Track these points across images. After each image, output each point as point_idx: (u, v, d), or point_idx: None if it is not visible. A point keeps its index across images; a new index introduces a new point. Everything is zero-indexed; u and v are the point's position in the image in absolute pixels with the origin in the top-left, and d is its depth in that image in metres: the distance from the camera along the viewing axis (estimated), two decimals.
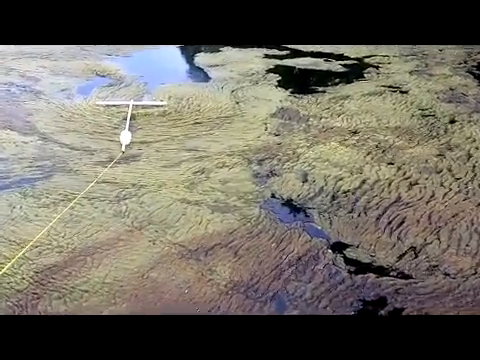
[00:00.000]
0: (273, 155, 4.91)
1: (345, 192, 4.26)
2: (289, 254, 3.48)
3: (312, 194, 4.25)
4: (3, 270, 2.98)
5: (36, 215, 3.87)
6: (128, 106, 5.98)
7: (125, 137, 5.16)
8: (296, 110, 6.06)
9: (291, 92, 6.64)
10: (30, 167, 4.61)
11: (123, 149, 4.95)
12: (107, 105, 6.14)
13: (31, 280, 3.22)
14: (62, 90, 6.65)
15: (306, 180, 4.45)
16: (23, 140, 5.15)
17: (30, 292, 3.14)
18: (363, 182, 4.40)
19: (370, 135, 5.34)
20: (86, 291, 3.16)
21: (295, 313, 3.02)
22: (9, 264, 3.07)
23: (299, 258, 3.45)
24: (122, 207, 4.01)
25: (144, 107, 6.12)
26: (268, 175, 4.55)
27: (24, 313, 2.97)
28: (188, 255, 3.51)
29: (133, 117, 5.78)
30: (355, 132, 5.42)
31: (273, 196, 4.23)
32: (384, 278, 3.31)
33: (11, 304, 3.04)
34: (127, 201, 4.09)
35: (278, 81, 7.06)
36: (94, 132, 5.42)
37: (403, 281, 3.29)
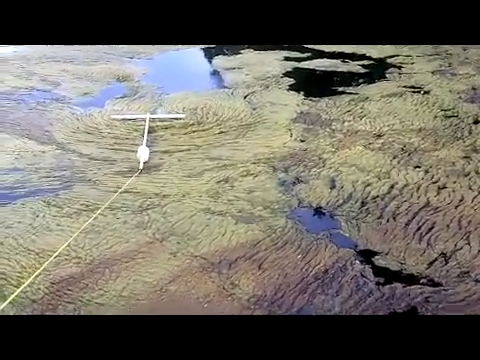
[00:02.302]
0: (299, 162, 4.75)
1: (374, 198, 4.10)
2: (315, 266, 3.27)
3: (341, 201, 4.07)
4: (21, 287, 2.89)
5: (58, 224, 3.80)
6: (145, 120, 5.71)
7: (143, 153, 4.83)
8: (317, 114, 5.92)
9: (305, 95, 6.51)
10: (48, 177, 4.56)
11: (141, 166, 4.66)
12: (123, 119, 5.87)
13: (47, 291, 3.12)
14: (84, 94, 6.71)
15: (334, 186, 4.29)
16: (41, 149, 5.10)
17: (45, 303, 3.03)
18: (391, 187, 4.26)
19: (395, 138, 5.22)
20: (102, 304, 3.03)
21: None
22: (28, 281, 2.98)
23: (326, 270, 3.23)
24: (144, 218, 3.89)
25: (161, 120, 5.87)
26: (294, 182, 4.38)
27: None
28: (210, 268, 3.34)
29: (152, 130, 5.60)
30: (379, 135, 5.32)
31: (300, 205, 4.04)
32: (413, 287, 3.14)
33: (26, 314, 2.94)
34: (149, 211, 3.97)
35: (290, 85, 6.98)
36: (114, 143, 5.30)
37: (433, 289, 3.12)
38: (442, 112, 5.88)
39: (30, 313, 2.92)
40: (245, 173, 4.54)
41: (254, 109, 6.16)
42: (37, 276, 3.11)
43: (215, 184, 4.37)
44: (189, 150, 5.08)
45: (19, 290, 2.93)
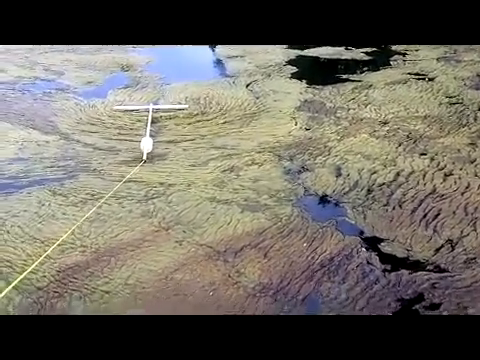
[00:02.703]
0: (304, 150, 4.74)
1: (380, 185, 4.09)
2: (321, 254, 3.25)
3: (347, 188, 4.06)
4: (25, 273, 2.89)
5: (63, 213, 3.79)
6: (148, 110, 5.64)
7: (146, 144, 4.76)
8: (321, 102, 5.89)
9: (309, 83, 6.47)
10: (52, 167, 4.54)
11: (144, 157, 4.60)
12: (126, 110, 5.82)
13: (52, 278, 3.11)
14: (88, 82, 6.69)
15: (340, 174, 4.28)
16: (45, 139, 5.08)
17: (51, 290, 3.02)
18: (397, 174, 4.25)
19: (400, 125, 5.21)
20: (107, 292, 3.02)
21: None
22: (31, 267, 2.98)
23: (332, 258, 3.21)
24: (150, 207, 3.88)
25: (165, 111, 5.81)
26: (300, 171, 4.36)
27: (42, 312, 2.86)
28: (215, 257, 3.32)
29: (156, 120, 5.56)
30: (385, 123, 5.30)
31: (306, 193, 4.02)
32: (419, 273, 3.12)
33: (31, 301, 2.94)
34: (155, 200, 3.96)
35: (292, 73, 6.94)
36: (118, 133, 5.27)
37: (439, 275, 3.11)
38: (447, 99, 5.87)
39: (32, 313, 2.88)
40: (250, 162, 4.51)
41: (257, 98, 6.12)
42: (40, 262, 3.12)
43: (220, 173, 4.34)
44: (194, 140, 5.05)
45: (22, 276, 2.91)
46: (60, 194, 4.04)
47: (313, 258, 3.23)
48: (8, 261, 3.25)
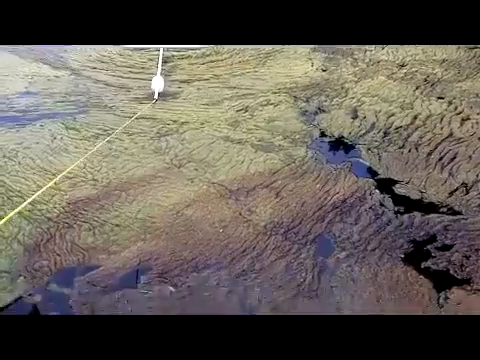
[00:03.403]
0: (321, 91, 4.60)
1: (397, 128, 3.99)
2: (334, 195, 3.18)
3: (363, 131, 3.96)
4: (33, 197, 2.87)
5: (76, 147, 3.76)
6: (158, 48, 5.35)
7: (157, 83, 4.57)
8: None
9: None
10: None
11: (156, 96, 4.47)
12: (135, 48, 5.54)
13: (62, 210, 3.11)
14: None
15: (356, 116, 4.16)
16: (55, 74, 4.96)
17: (61, 221, 3.03)
18: (415, 118, 4.12)
19: (417, 68, 5.03)
20: (117, 225, 3.01)
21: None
22: (37, 193, 2.95)
23: (344, 200, 3.15)
24: (162, 143, 3.82)
25: (177, 49, 5.52)
26: (316, 112, 4.25)
27: (51, 242, 2.88)
28: (227, 195, 3.27)
29: (169, 59, 5.33)
30: (402, 65, 5.12)
31: (322, 135, 3.93)
32: (431, 215, 3.08)
33: (41, 230, 2.95)
34: (168, 137, 3.89)
35: None
36: (129, 72, 5.09)
37: (452, 218, 3.06)
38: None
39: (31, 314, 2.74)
40: (265, 102, 4.38)
41: None
42: (51, 194, 3.12)
43: (235, 113, 4.23)
44: (208, 79, 4.89)
45: (28, 201, 2.82)
46: (73, 128, 4.00)
47: (326, 199, 3.18)
48: (19, 191, 3.26)
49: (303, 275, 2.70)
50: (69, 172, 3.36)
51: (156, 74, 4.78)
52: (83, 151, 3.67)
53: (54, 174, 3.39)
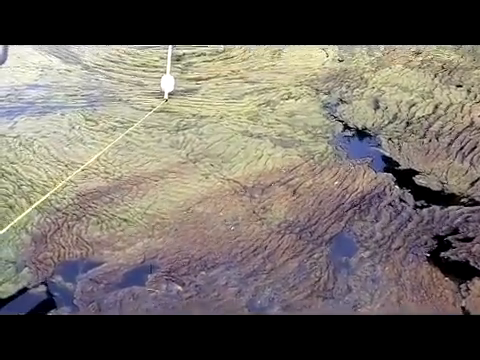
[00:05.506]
0: (341, 82, 4.51)
1: (419, 118, 3.93)
2: (353, 193, 3.00)
3: (386, 121, 3.89)
4: (46, 196, 2.87)
5: (92, 138, 3.69)
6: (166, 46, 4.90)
7: (167, 83, 4.28)
8: None
9: None
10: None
11: (166, 96, 4.22)
12: (141, 47, 5.23)
13: (72, 201, 3.04)
14: None
15: (378, 107, 4.09)
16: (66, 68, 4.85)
17: (70, 213, 2.96)
18: (436, 107, 4.05)
19: (433, 55, 4.96)
20: (125, 220, 2.91)
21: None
22: (53, 190, 2.92)
23: (363, 197, 2.97)
24: (179, 137, 3.71)
25: (187, 47, 5.20)
26: (338, 104, 4.14)
27: (59, 233, 2.81)
28: (242, 192, 3.13)
29: (181, 58, 5.09)
30: (418, 53, 5.04)
31: (345, 128, 3.81)
32: (450, 208, 3.00)
33: (49, 221, 2.88)
34: (186, 131, 3.77)
35: None
36: (141, 70, 4.89)
37: (471, 208, 2.99)
38: None
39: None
40: (287, 96, 4.24)
41: None
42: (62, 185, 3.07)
43: (256, 107, 4.08)
44: (226, 76, 4.72)
45: (44, 197, 2.89)
46: (90, 119, 3.94)
47: (344, 197, 3.01)
48: (30, 180, 3.20)
49: (318, 274, 2.56)
50: (82, 164, 3.33)
51: (165, 72, 4.45)
52: (99, 143, 3.62)
53: (66, 165, 3.35)
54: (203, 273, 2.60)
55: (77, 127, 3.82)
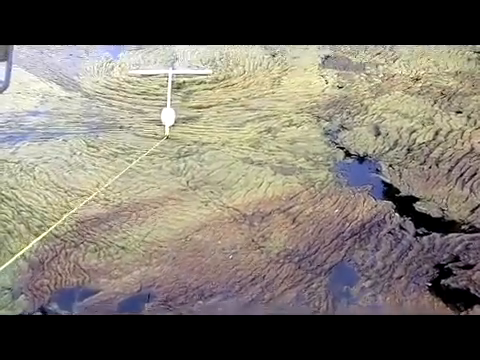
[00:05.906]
0: (341, 109, 4.54)
1: (420, 144, 3.92)
2: (353, 221, 2.97)
3: (387, 148, 3.89)
4: (53, 226, 2.83)
5: (93, 164, 3.70)
6: (167, 76, 4.91)
7: (168, 116, 4.11)
8: (345, 57, 5.61)
9: None
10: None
11: (166, 132, 4.07)
12: (143, 75, 5.19)
13: (70, 228, 3.02)
14: None
15: (379, 133, 4.09)
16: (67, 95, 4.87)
17: (68, 239, 2.94)
18: (436, 133, 4.05)
19: (432, 81, 4.97)
20: (122, 248, 2.89)
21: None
22: (60, 221, 2.88)
23: (363, 225, 2.95)
24: (180, 164, 3.71)
25: (187, 76, 5.18)
26: (339, 130, 4.16)
27: (56, 260, 2.79)
28: (241, 220, 3.11)
29: (181, 86, 5.07)
30: (417, 79, 5.07)
31: (346, 155, 3.81)
32: (450, 235, 2.96)
33: (47, 248, 2.87)
34: (187, 158, 3.78)
35: None
36: (142, 98, 4.87)
37: (471, 235, 2.95)
38: (476, 54, 5.51)
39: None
40: (288, 123, 4.24)
41: (273, 55, 5.70)
42: (61, 211, 3.07)
43: (257, 134, 4.09)
44: (227, 103, 4.73)
45: (50, 229, 2.84)
46: (92, 146, 3.95)
47: (344, 225, 2.98)
48: (29, 206, 3.20)
49: (316, 304, 2.51)
50: (81, 190, 3.34)
51: (166, 105, 4.37)
52: (100, 169, 3.63)
53: (66, 191, 3.35)
54: (200, 302, 2.56)
55: (78, 153, 3.84)
